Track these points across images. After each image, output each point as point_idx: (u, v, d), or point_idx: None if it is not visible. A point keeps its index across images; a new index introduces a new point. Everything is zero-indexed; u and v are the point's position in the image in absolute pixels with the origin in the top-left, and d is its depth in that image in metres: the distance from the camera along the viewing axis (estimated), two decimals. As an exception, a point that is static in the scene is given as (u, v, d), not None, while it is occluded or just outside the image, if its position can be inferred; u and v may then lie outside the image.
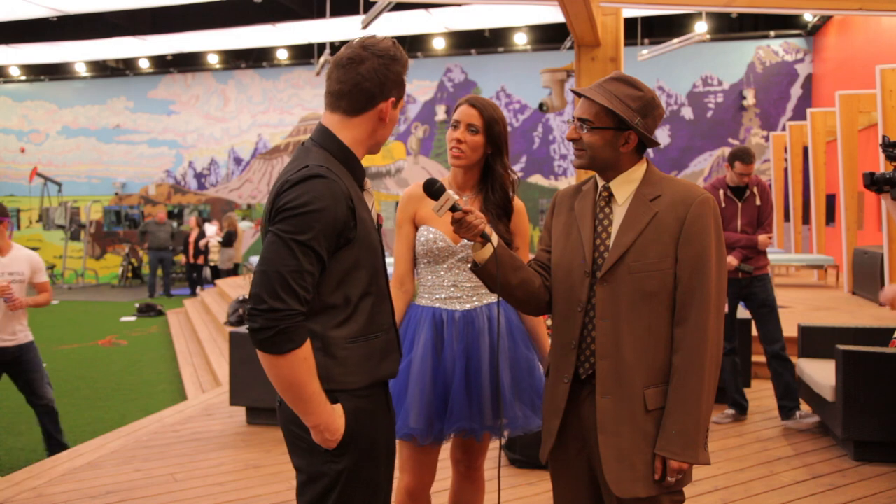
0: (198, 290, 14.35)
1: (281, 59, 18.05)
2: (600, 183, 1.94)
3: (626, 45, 5.70)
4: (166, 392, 6.92)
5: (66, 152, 19.91)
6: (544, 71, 6.78)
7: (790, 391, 4.70)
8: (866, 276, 9.06)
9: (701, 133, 15.79)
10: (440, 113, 17.24)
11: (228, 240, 14.47)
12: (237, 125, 18.93)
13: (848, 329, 4.86)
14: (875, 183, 3.70)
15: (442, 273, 2.38)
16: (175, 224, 16.53)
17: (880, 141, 3.70)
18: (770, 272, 4.90)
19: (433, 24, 14.89)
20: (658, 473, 1.81)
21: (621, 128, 1.85)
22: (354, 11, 11.57)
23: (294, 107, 18.53)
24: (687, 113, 15.88)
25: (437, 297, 2.38)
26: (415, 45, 16.72)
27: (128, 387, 7.15)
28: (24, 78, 19.96)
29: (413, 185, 2.44)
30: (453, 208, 1.87)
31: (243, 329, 5.04)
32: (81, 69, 19.46)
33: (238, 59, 18.63)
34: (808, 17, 14.59)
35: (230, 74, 18.86)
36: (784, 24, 15.23)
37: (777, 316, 4.75)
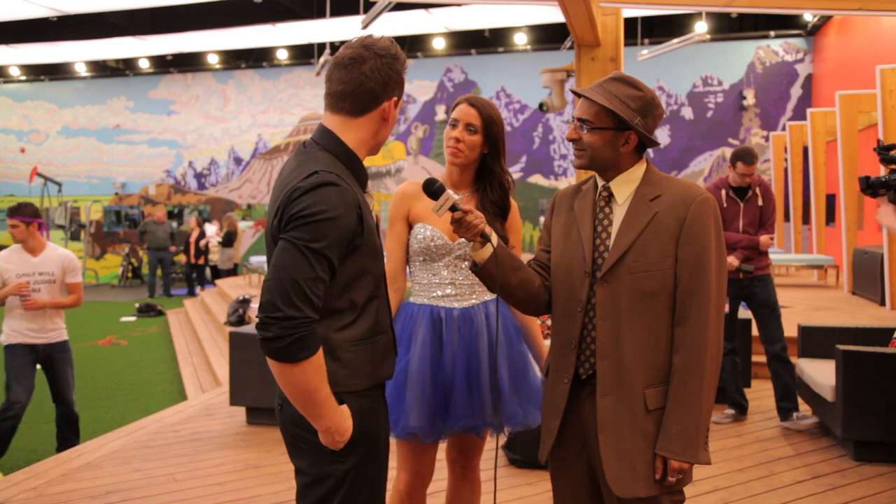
0: (197, 290, 14.35)
1: (281, 59, 18.05)
2: (600, 183, 1.94)
3: (626, 45, 5.70)
4: (166, 392, 6.92)
5: (66, 152, 19.91)
6: (544, 71, 6.78)
7: (789, 392, 4.70)
8: (866, 276, 9.06)
9: (701, 133, 15.79)
10: (440, 113, 17.24)
11: (228, 240, 14.47)
12: (237, 125, 18.93)
13: (848, 329, 4.86)
14: (871, 186, 3.70)
15: (439, 271, 2.38)
16: (175, 224, 16.52)
17: (874, 146, 3.70)
18: (772, 273, 4.89)
19: (433, 24, 14.89)
20: (658, 473, 1.81)
21: (621, 128, 1.85)
22: (354, 11, 11.57)
23: (294, 107, 18.54)
24: (687, 113, 15.88)
25: (434, 294, 2.38)
26: (415, 45, 16.72)
27: (128, 387, 7.15)
28: (24, 78, 19.96)
29: (406, 182, 2.44)
30: (453, 208, 1.87)
31: (243, 329, 5.04)
32: (81, 69, 19.46)
33: (238, 59, 18.64)
34: (808, 17, 14.59)
35: (230, 74, 18.87)
36: (784, 24, 15.24)
37: (778, 317, 4.74)
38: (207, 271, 15.00)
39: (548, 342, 2.08)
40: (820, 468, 4.03)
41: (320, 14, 13.57)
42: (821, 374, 4.43)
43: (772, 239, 4.77)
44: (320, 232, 1.58)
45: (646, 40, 15.00)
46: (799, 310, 7.89)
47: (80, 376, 7.53)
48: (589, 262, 1.88)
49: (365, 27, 9.31)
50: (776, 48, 15.47)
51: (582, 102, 1.90)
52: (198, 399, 5.82)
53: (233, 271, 14.85)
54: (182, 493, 3.75)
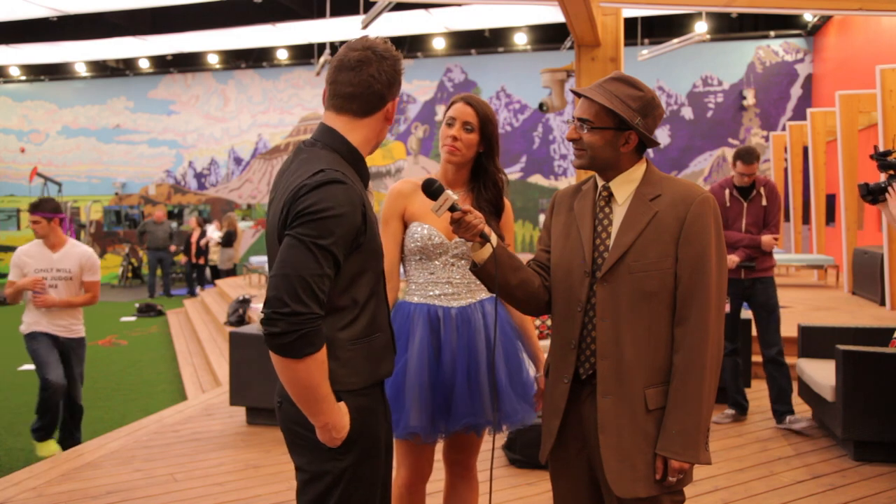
0: (197, 289, 14.35)
1: (281, 59, 18.05)
2: (600, 183, 1.94)
3: (626, 45, 5.70)
4: (166, 392, 6.92)
5: (66, 152, 19.91)
6: (544, 71, 6.78)
7: (783, 396, 4.69)
8: (866, 276, 9.06)
9: (701, 133, 15.79)
10: (440, 113, 17.23)
11: (228, 240, 14.46)
12: (237, 125, 18.93)
13: (848, 329, 4.86)
14: (871, 193, 3.72)
15: (435, 270, 2.38)
16: (175, 224, 16.52)
17: (871, 152, 3.71)
18: (774, 275, 4.84)
19: (433, 24, 14.88)
20: (659, 473, 1.81)
21: (621, 128, 1.85)
22: (354, 11, 11.57)
23: (294, 107, 18.53)
24: (687, 113, 15.88)
25: (431, 293, 2.38)
26: (415, 45, 16.72)
27: (128, 387, 7.15)
28: (24, 78, 19.96)
29: (401, 181, 2.44)
30: (452, 208, 1.88)
31: (243, 329, 5.04)
32: (81, 69, 19.46)
33: (238, 59, 18.64)
34: (808, 17, 14.59)
35: (230, 74, 18.87)
36: (784, 24, 15.23)
37: (776, 320, 4.72)
38: (207, 271, 14.99)
39: (548, 342, 2.08)
40: (820, 468, 4.03)
41: (320, 14, 13.57)
42: (821, 374, 4.43)
43: (775, 239, 4.73)
44: (327, 229, 1.60)
45: (646, 40, 15.00)
46: (799, 310, 7.89)
47: (80, 376, 7.54)
48: (589, 262, 1.88)
49: (365, 27, 9.31)
50: (776, 48, 15.47)
51: (582, 102, 1.90)
52: (198, 399, 5.82)
53: (232, 271, 14.85)
54: (182, 493, 3.75)
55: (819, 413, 4.63)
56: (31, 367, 7.91)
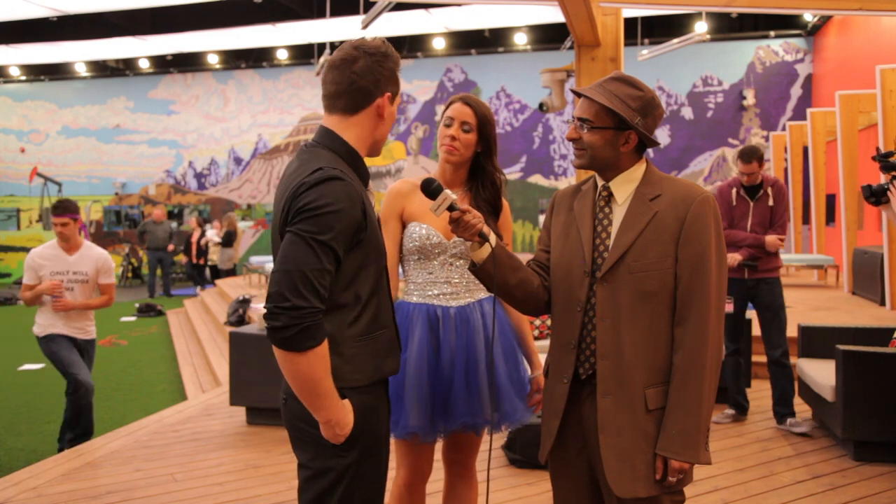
0: (197, 289, 14.35)
1: (281, 59, 18.04)
2: (600, 183, 1.94)
3: (626, 45, 5.70)
4: (166, 392, 6.92)
5: (66, 152, 19.91)
6: (544, 71, 6.78)
7: (785, 398, 4.68)
8: (866, 276, 9.05)
9: (701, 133, 15.79)
10: (440, 113, 17.17)
11: (228, 240, 14.46)
12: (237, 125, 18.93)
13: (848, 329, 4.86)
14: (874, 194, 3.72)
15: (434, 269, 2.38)
16: (175, 224, 16.51)
17: (873, 154, 3.72)
18: (780, 276, 4.78)
19: (433, 24, 14.88)
20: (659, 473, 1.81)
21: (621, 127, 1.85)
22: (354, 11, 11.57)
23: (294, 107, 18.53)
24: (687, 113, 15.88)
25: (430, 293, 2.38)
26: (415, 45, 16.72)
27: (128, 387, 7.15)
28: (24, 78, 19.96)
29: (399, 181, 2.45)
30: (451, 207, 1.88)
31: (243, 329, 5.04)
32: (81, 69, 19.45)
33: (238, 59, 18.63)
34: (808, 17, 14.59)
35: (230, 74, 18.86)
36: (784, 24, 15.23)
37: (782, 321, 4.67)
38: (207, 271, 15.00)
39: (547, 342, 2.08)
40: (820, 468, 4.03)
41: (320, 14, 13.57)
42: (821, 374, 4.43)
43: (781, 240, 4.67)
44: (326, 224, 1.63)
45: (646, 40, 15.00)
46: (799, 310, 7.88)
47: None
48: (589, 262, 1.88)
49: (365, 27, 9.32)
50: (776, 48, 15.47)
51: (582, 102, 1.90)
52: (198, 399, 5.82)
53: (232, 271, 14.85)
54: (182, 493, 3.75)
55: (819, 413, 4.63)
56: (32, 367, 7.96)
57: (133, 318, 11.86)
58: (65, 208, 4.61)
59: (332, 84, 1.81)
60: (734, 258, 4.66)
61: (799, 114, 14.85)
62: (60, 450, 4.68)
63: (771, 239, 4.64)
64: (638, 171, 1.90)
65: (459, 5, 12.27)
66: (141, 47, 16.61)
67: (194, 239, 14.73)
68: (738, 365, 4.85)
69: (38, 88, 20.05)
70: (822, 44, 14.72)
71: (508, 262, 1.94)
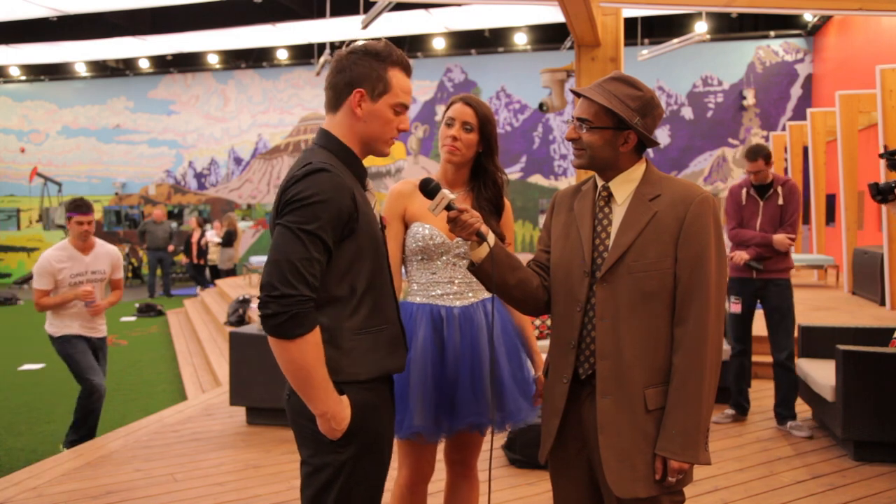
0: (197, 289, 14.35)
1: (281, 59, 18.05)
2: (600, 183, 1.94)
3: (626, 45, 5.69)
4: (166, 392, 6.92)
5: (66, 152, 19.91)
6: (544, 71, 6.78)
7: (787, 400, 4.66)
8: (866, 276, 9.05)
9: (701, 133, 15.79)
10: (440, 113, 17.23)
11: (228, 240, 14.46)
12: (237, 125, 18.93)
13: (848, 329, 4.86)
14: (880, 193, 3.72)
15: (437, 270, 2.38)
16: (175, 224, 16.51)
17: (880, 150, 3.72)
18: (790, 277, 4.71)
19: (433, 24, 14.88)
20: (658, 473, 1.80)
21: (620, 127, 1.85)
22: (354, 11, 11.57)
23: (294, 107, 18.53)
24: (687, 113, 15.87)
25: (433, 293, 2.38)
26: (415, 45, 16.72)
27: (128, 387, 7.15)
28: (24, 78, 19.96)
29: (401, 182, 2.45)
30: (448, 207, 1.88)
31: (243, 329, 5.04)
32: (81, 69, 19.46)
33: (238, 59, 18.63)
34: (808, 17, 14.59)
35: (230, 74, 18.86)
36: (784, 24, 15.23)
37: (789, 324, 4.61)
38: (207, 271, 15.00)
39: (547, 342, 2.08)
40: (820, 468, 4.03)
41: (320, 14, 13.57)
42: (821, 374, 4.43)
43: (791, 239, 4.59)
44: (313, 214, 1.67)
45: (646, 40, 15.00)
46: (799, 310, 7.81)
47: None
48: (588, 262, 1.88)
49: (365, 27, 9.31)
50: (776, 48, 15.46)
51: (581, 102, 1.90)
52: (198, 399, 5.82)
53: (232, 271, 14.85)
54: (182, 493, 3.75)
55: (819, 413, 4.63)
56: (32, 367, 7.96)
57: (133, 318, 11.85)
58: (88, 206, 4.61)
59: (326, 84, 1.88)
60: (741, 256, 4.63)
61: (799, 114, 14.85)
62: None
63: (779, 238, 4.58)
64: (637, 171, 1.90)
65: (459, 5, 12.27)
66: (141, 47, 16.61)
67: (194, 239, 14.72)
68: (743, 366, 4.81)
69: (38, 88, 20.05)
70: (822, 44, 14.72)
71: (507, 261, 1.94)
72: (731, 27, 15.57)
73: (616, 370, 1.82)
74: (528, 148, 16.80)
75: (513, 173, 16.58)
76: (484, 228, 1.91)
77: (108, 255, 4.75)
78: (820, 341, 4.83)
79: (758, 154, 4.63)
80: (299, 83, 18.37)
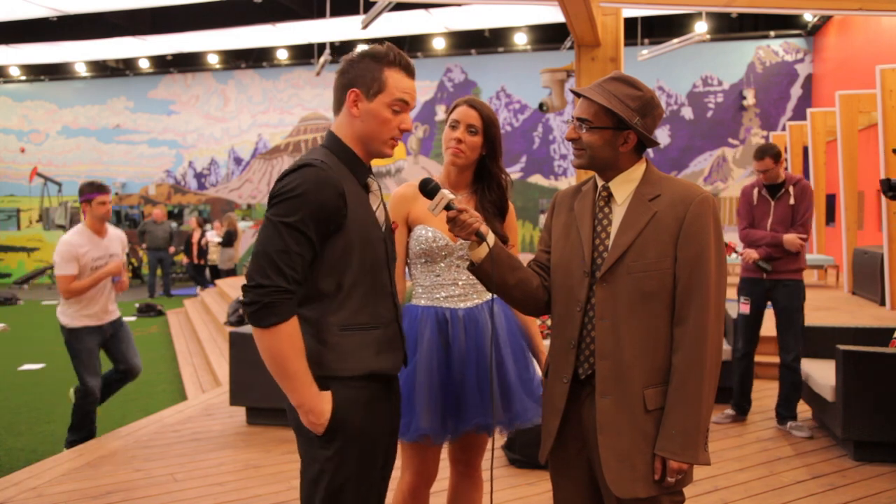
0: (197, 289, 14.35)
1: (281, 59, 18.04)
2: (600, 183, 1.94)
3: (626, 45, 5.69)
4: (166, 392, 6.92)
5: (66, 152, 19.90)
6: (544, 71, 6.77)
7: (789, 401, 4.65)
8: (866, 276, 9.06)
9: (701, 133, 15.79)
10: (440, 113, 17.24)
11: (228, 240, 14.47)
12: (237, 125, 18.93)
13: (848, 329, 4.85)
14: (892, 189, 3.72)
15: (441, 272, 2.39)
16: (175, 224, 16.50)
17: (883, 188, 3.73)
18: (802, 279, 4.64)
19: (433, 24, 14.88)
20: (658, 474, 1.80)
21: (620, 127, 1.85)
22: (354, 11, 11.57)
23: (294, 107, 18.53)
24: (687, 113, 15.87)
25: (438, 296, 2.39)
26: (415, 45, 16.72)
27: (128, 387, 7.12)
28: (24, 78, 19.96)
29: (404, 185, 2.45)
30: (448, 207, 1.88)
31: (243, 329, 5.04)
32: (81, 69, 19.45)
33: (238, 59, 18.63)
34: (808, 17, 14.59)
35: (230, 74, 18.86)
36: (784, 24, 15.23)
37: (797, 326, 4.57)
38: (207, 271, 15.00)
39: (547, 342, 2.08)
40: (820, 468, 4.03)
41: (320, 14, 13.57)
42: (821, 374, 4.43)
43: (801, 239, 4.54)
44: (292, 207, 1.71)
45: (646, 40, 15.00)
46: (799, 310, 7.87)
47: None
48: (588, 262, 1.88)
49: (365, 27, 9.31)
50: (776, 48, 15.46)
51: (581, 102, 1.90)
52: (198, 399, 5.82)
53: (233, 271, 14.85)
54: (182, 493, 3.75)
55: (819, 413, 4.63)
56: (32, 367, 7.96)
57: (133, 318, 11.85)
58: (106, 187, 4.64)
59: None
60: (750, 255, 4.61)
61: (799, 114, 14.85)
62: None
63: (789, 237, 4.53)
64: (637, 171, 1.90)
65: (459, 5, 12.27)
66: (141, 47, 16.61)
67: (194, 239, 14.72)
68: (749, 369, 4.78)
69: (38, 88, 20.05)
70: (822, 44, 14.72)
71: (507, 261, 1.94)
72: (731, 27, 15.56)
73: (616, 370, 1.82)
74: (528, 148, 16.80)
75: (513, 173, 16.57)
76: (483, 228, 1.91)
77: (119, 238, 4.81)
78: (820, 341, 4.83)
79: (765, 153, 4.60)
80: (299, 83, 18.36)
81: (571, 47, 9.49)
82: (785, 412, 4.68)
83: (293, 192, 1.71)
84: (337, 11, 12.72)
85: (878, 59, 9.62)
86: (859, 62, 12.00)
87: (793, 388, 4.62)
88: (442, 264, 2.38)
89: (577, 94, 1.90)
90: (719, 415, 4.85)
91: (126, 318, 12.01)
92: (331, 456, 1.77)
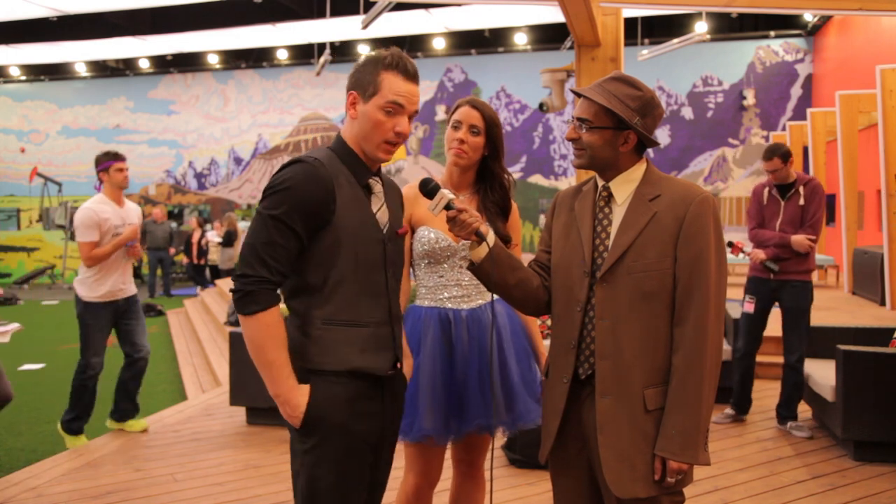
0: (197, 289, 14.35)
1: (281, 59, 18.05)
2: (600, 183, 1.94)
3: (626, 45, 5.69)
4: (166, 392, 6.92)
5: (66, 152, 19.91)
6: (544, 71, 6.77)
7: (790, 402, 4.65)
8: (866, 276, 9.06)
9: (701, 133, 15.79)
10: (440, 113, 17.24)
11: (228, 240, 14.47)
12: (237, 125, 18.93)
13: (848, 329, 4.85)
14: None
15: (444, 273, 2.39)
16: (175, 224, 16.50)
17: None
18: (810, 280, 4.61)
19: (433, 24, 14.88)
20: (658, 474, 1.80)
21: (620, 127, 1.85)
22: (354, 11, 11.57)
23: (294, 107, 18.53)
24: (687, 113, 15.88)
25: (441, 297, 2.39)
26: (415, 45, 16.72)
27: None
28: (24, 78, 19.96)
29: (406, 186, 2.45)
30: (448, 206, 1.88)
31: (243, 329, 5.03)
32: (81, 69, 19.46)
33: (238, 59, 18.64)
34: (808, 17, 14.59)
35: (230, 74, 18.87)
36: (784, 24, 15.23)
37: (802, 327, 4.55)
38: (207, 271, 15.00)
39: (547, 342, 2.08)
40: (820, 468, 4.03)
41: (320, 14, 13.57)
42: (821, 374, 4.43)
43: (811, 240, 4.50)
44: (278, 200, 1.76)
45: (646, 40, 15.00)
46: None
47: (80, 376, 7.54)
48: (588, 263, 1.88)
49: (365, 27, 9.31)
50: (776, 48, 15.46)
51: (581, 102, 1.90)
52: (198, 399, 5.82)
53: (233, 271, 14.82)
54: (182, 493, 3.75)
55: (819, 413, 4.63)
56: (32, 366, 7.96)
57: (133, 318, 11.85)
58: (120, 154, 4.62)
59: None
60: (757, 255, 4.59)
61: (799, 114, 14.85)
62: (70, 431, 4.62)
63: (798, 238, 4.50)
64: (638, 171, 1.90)
65: (459, 5, 12.27)
66: (141, 47, 16.61)
67: (195, 239, 14.72)
68: (750, 369, 4.76)
69: (38, 88, 20.06)
70: (822, 44, 14.72)
71: (507, 261, 1.94)
72: (731, 27, 15.57)
73: (616, 370, 1.82)
74: (528, 148, 16.80)
75: (513, 173, 16.48)
76: (483, 228, 1.91)
77: (135, 209, 4.79)
78: (820, 341, 4.83)
79: (773, 153, 4.57)
80: (299, 83, 18.37)
81: (571, 47, 9.49)
82: (786, 412, 4.67)
83: (280, 185, 1.77)
84: (337, 11, 12.72)
85: (878, 59, 9.62)
86: (859, 62, 12.00)
87: (795, 388, 4.61)
88: (445, 265, 2.39)
89: (578, 94, 1.90)
90: (719, 415, 4.85)
91: (126, 318, 11.70)
92: (308, 450, 1.81)
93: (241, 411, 5.07)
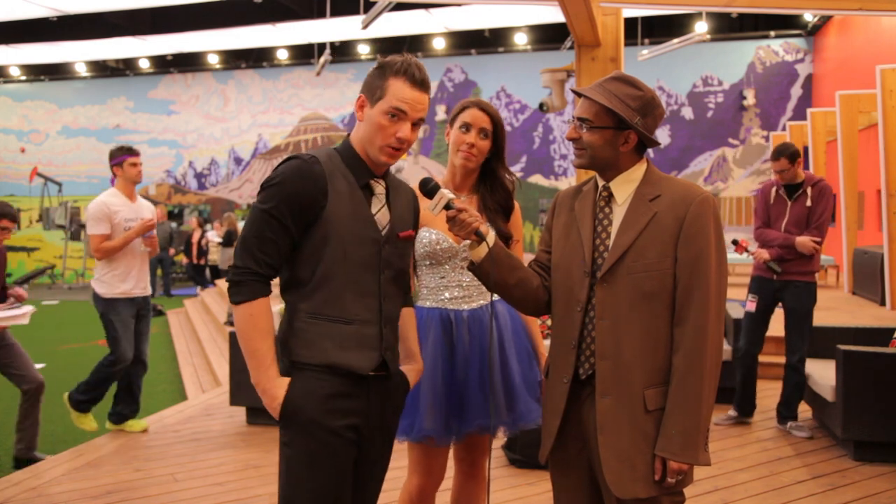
0: (197, 290, 14.34)
1: (281, 59, 18.05)
2: (600, 183, 1.94)
3: (626, 45, 5.70)
4: (166, 392, 6.92)
5: (66, 152, 19.92)
6: (544, 71, 6.78)
7: (790, 402, 4.64)
8: (866, 276, 9.06)
9: (701, 133, 15.79)
10: (440, 113, 17.24)
11: (228, 240, 14.47)
12: (237, 125, 18.94)
13: (848, 329, 4.85)
14: None
15: (446, 274, 2.39)
16: (175, 224, 16.50)
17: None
18: (814, 281, 4.59)
19: (433, 24, 14.89)
20: (658, 474, 1.80)
21: (621, 127, 1.85)
22: (354, 11, 11.58)
23: (294, 107, 18.54)
24: (687, 113, 15.88)
25: (442, 298, 2.39)
26: (415, 45, 16.72)
27: (128, 387, 7.14)
28: (24, 78, 19.97)
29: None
30: (448, 206, 1.88)
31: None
32: (81, 69, 19.46)
33: (238, 59, 18.64)
34: (808, 17, 14.59)
35: (230, 74, 18.87)
36: (784, 24, 15.24)
37: (804, 327, 4.53)
38: (207, 271, 15.00)
39: (547, 342, 2.08)
40: (820, 468, 4.03)
41: (320, 14, 13.58)
42: (821, 374, 4.43)
43: (816, 242, 4.47)
44: (269, 195, 1.81)
45: (646, 40, 15.00)
46: (799, 310, 7.87)
47: (80, 376, 7.50)
48: (588, 263, 1.88)
49: (365, 27, 9.32)
50: (776, 48, 15.47)
51: (582, 102, 1.90)
52: (198, 399, 5.82)
53: (232, 271, 14.85)
54: (182, 493, 3.75)
55: (819, 413, 4.63)
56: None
57: (133, 318, 11.84)
58: (134, 148, 4.59)
59: None
60: (761, 255, 4.58)
61: (799, 114, 14.85)
62: (81, 410, 4.61)
63: (802, 240, 4.46)
64: (638, 171, 1.90)
65: (459, 5, 12.27)
66: (141, 47, 16.62)
67: (195, 239, 14.71)
68: (752, 370, 4.73)
69: (38, 88, 20.06)
70: (822, 44, 14.72)
71: (507, 261, 1.94)
72: (731, 27, 15.57)
73: (616, 370, 1.82)
74: (528, 148, 16.80)
75: (513, 173, 16.58)
76: (483, 228, 1.90)
77: (148, 205, 4.77)
78: (820, 341, 4.83)
79: (781, 154, 4.54)
80: (299, 83, 18.38)
81: (571, 47, 9.49)
82: (786, 412, 4.66)
83: (271, 181, 1.82)
84: (337, 11, 12.73)
85: (878, 59, 9.62)
86: (859, 62, 12.00)
87: (796, 388, 4.60)
88: (447, 266, 2.39)
89: (578, 94, 1.90)
90: (721, 416, 4.82)
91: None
92: (286, 442, 1.90)
93: (241, 411, 5.07)
